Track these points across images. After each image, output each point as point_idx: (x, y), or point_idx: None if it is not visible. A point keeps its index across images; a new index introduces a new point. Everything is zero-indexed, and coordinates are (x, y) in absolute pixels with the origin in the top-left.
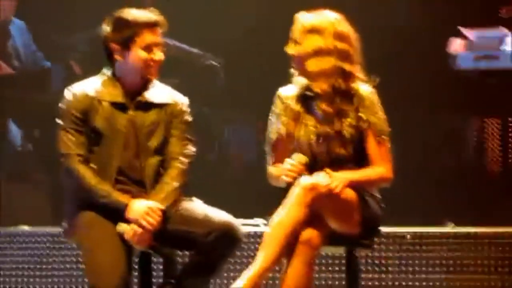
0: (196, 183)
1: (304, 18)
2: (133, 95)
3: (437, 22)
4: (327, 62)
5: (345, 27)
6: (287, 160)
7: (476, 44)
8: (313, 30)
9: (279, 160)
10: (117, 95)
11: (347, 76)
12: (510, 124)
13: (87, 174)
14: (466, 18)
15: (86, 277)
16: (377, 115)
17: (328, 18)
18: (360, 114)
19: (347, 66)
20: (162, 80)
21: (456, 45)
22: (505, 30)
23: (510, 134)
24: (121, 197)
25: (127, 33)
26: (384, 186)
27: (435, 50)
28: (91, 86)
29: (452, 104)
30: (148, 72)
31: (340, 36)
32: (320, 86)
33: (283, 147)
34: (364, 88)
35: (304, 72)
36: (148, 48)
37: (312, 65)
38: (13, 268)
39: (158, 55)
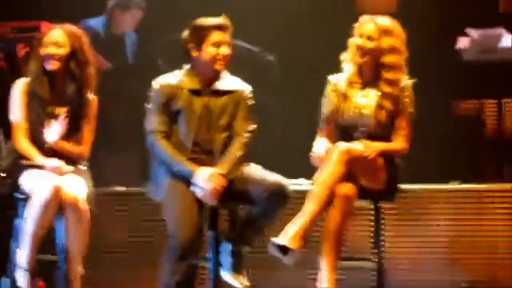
0: (257, 152)
1: (379, 20)
2: (207, 83)
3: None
4: (398, 58)
5: (402, 31)
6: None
7: (478, 41)
8: (388, 31)
9: (328, 132)
10: (194, 84)
11: (402, 69)
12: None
13: (166, 147)
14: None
15: (168, 227)
16: (412, 102)
17: (395, 23)
18: (402, 99)
19: (403, 62)
20: (232, 72)
21: (462, 42)
22: (502, 29)
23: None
24: (190, 165)
25: (201, 34)
26: (402, 154)
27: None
28: (173, 77)
29: (458, 87)
30: (217, 64)
31: (402, 39)
32: (391, 75)
33: (332, 122)
34: (407, 81)
35: (372, 63)
36: (216, 45)
37: (389, 58)
38: (110, 222)
39: (224, 50)
